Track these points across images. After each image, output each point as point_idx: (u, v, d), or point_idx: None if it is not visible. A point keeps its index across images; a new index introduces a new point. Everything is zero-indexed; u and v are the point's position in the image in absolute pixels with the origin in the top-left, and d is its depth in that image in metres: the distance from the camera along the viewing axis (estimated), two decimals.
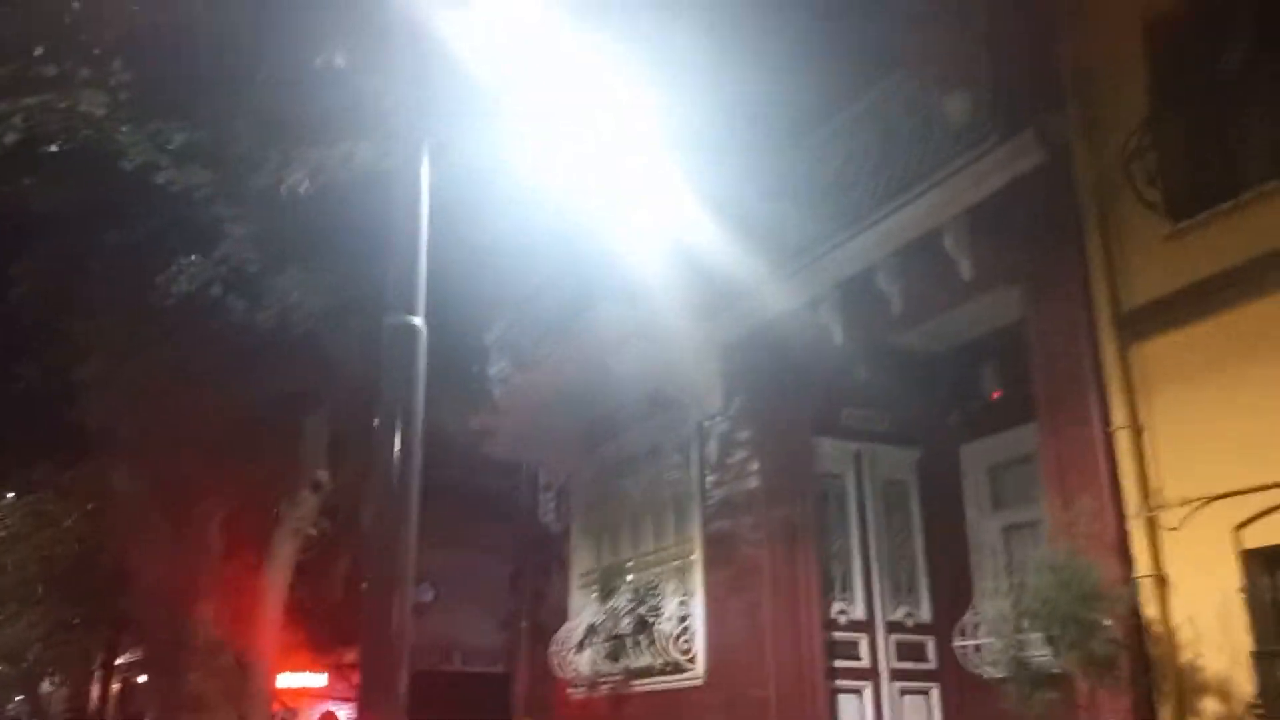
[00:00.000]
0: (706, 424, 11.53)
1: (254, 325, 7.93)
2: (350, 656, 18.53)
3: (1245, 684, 6.28)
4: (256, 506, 10.36)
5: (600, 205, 9.22)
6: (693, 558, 11.49)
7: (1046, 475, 7.68)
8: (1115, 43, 7.68)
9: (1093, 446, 7.28)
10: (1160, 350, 7.09)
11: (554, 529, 14.62)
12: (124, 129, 7.49)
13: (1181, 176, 7.16)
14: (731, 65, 8.45)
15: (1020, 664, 6.78)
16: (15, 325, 9.35)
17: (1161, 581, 6.79)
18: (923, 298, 9.13)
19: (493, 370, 11.90)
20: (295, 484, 9.77)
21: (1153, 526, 6.90)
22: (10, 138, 7.17)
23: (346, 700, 20.26)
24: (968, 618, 9.16)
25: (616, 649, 11.78)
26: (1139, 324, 7.21)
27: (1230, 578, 6.43)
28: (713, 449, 11.42)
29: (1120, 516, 7.04)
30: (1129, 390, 7.18)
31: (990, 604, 7.75)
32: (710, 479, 11.38)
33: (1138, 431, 7.10)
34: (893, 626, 10.44)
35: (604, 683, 12.22)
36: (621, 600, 11.97)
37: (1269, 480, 6.32)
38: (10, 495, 17.23)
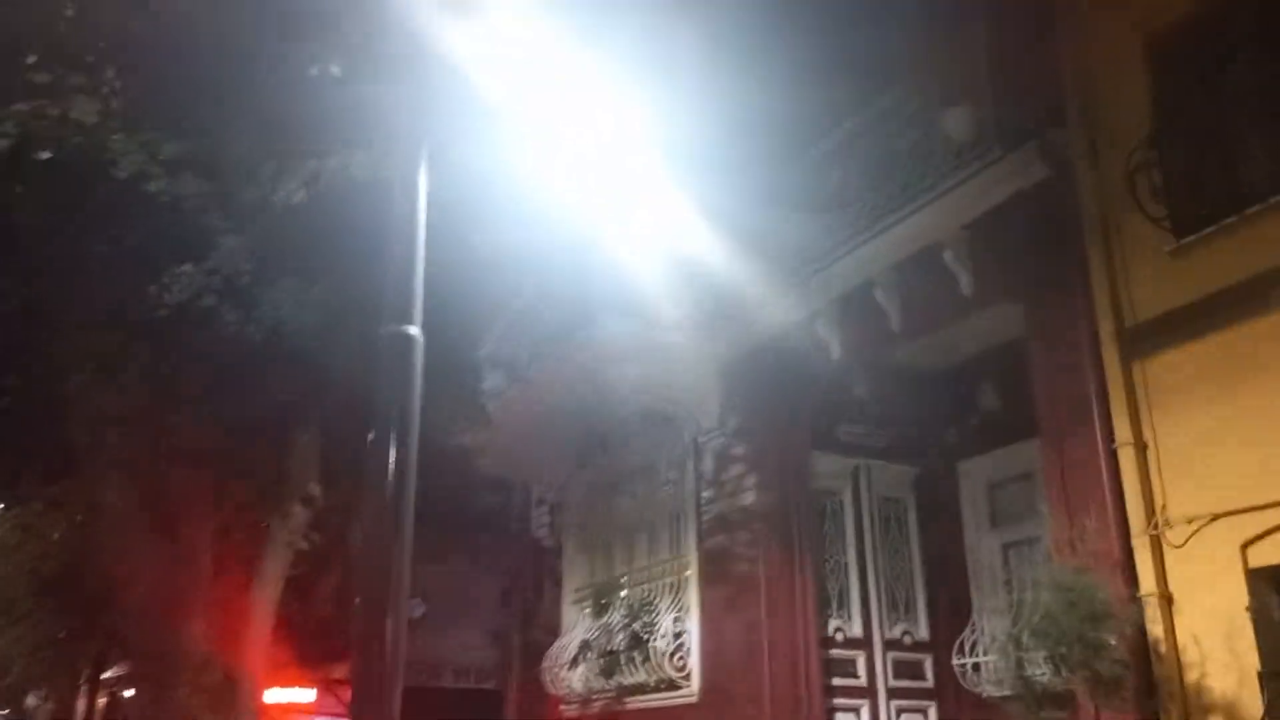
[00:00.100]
0: (702, 439, 11.46)
1: (246, 337, 7.83)
2: (339, 672, 18.34)
3: (1253, 705, 6.19)
4: (247, 520, 10.24)
5: (596, 218, 9.15)
6: (688, 574, 11.40)
7: (1049, 492, 7.61)
8: (1117, 58, 7.64)
9: (1096, 463, 7.21)
10: (1164, 366, 7.03)
11: (547, 544, 14.50)
12: (116, 137, 7.38)
13: (1185, 192, 7.12)
14: (732, 78, 8.40)
15: (1026, 683, 6.68)
16: (3, 336, 9.23)
17: (1167, 600, 6.72)
18: (922, 313, 9.08)
19: (486, 384, 11.79)
20: (286, 498, 9.65)
21: (1157, 544, 6.83)
22: (1, 144, 7.07)
23: (335, 716, 20.06)
24: (967, 635, 9.07)
25: (610, 666, 11.66)
26: (1143, 340, 7.15)
27: (1237, 596, 6.35)
28: (708, 464, 11.34)
29: (1124, 534, 6.97)
30: (1133, 406, 7.12)
31: (993, 622, 7.67)
32: (706, 494, 11.30)
33: (1142, 448, 7.04)
34: (890, 644, 10.35)
35: (597, 700, 12.10)
36: (615, 616, 11.86)
37: (1276, 498, 6.26)
38: None
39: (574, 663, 12.34)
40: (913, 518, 10.87)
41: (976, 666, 8.91)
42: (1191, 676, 6.51)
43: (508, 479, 15.36)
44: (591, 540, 13.40)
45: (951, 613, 10.06)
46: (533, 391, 12.10)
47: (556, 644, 12.99)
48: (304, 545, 10.21)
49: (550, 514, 14.47)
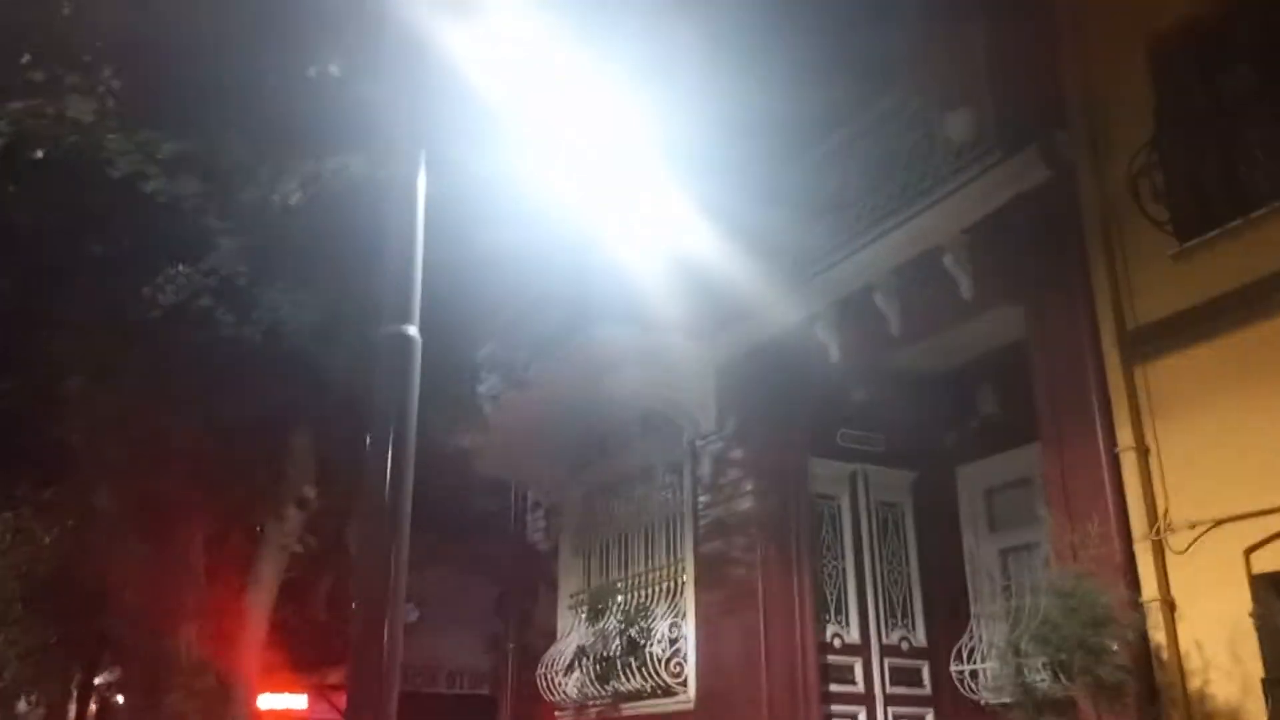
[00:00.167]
0: (700, 443, 11.41)
1: (242, 339, 7.76)
2: (333, 678, 18.24)
3: (1256, 712, 6.16)
4: (241, 524, 10.15)
5: (595, 219, 9.11)
6: (684, 579, 11.35)
7: (1051, 497, 7.56)
8: (1119, 59, 7.62)
9: (1098, 468, 7.18)
10: (1167, 370, 6.99)
11: (542, 548, 14.44)
12: (113, 136, 7.30)
13: (1188, 194, 7.10)
14: (732, 80, 8.36)
15: (1026, 689, 6.63)
16: None
17: (1169, 606, 6.69)
18: (921, 316, 9.04)
19: (483, 387, 11.72)
20: (281, 501, 9.56)
21: (1159, 550, 6.80)
22: None
23: None
24: (964, 642, 9.03)
25: (606, 671, 11.59)
26: (1145, 344, 7.12)
27: (1240, 603, 6.31)
28: (706, 469, 11.30)
29: (1126, 540, 6.94)
30: (1135, 411, 7.09)
31: (991, 628, 7.62)
32: (703, 499, 11.25)
33: (1144, 453, 7.01)
34: (888, 650, 10.31)
35: (593, 706, 12.03)
36: (611, 622, 11.78)
37: (1279, 503, 6.21)
38: None
39: (569, 668, 12.28)
40: (910, 523, 10.84)
41: (974, 673, 8.86)
42: (1194, 683, 6.47)
43: (504, 482, 15.30)
44: (588, 544, 13.33)
45: (949, 619, 10.02)
46: (530, 394, 11.99)
47: (552, 649, 12.93)
48: (298, 549, 10.13)
49: (546, 518, 14.42)
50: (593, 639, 11.95)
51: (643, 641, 11.23)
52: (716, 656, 10.59)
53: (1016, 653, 6.82)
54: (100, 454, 8.99)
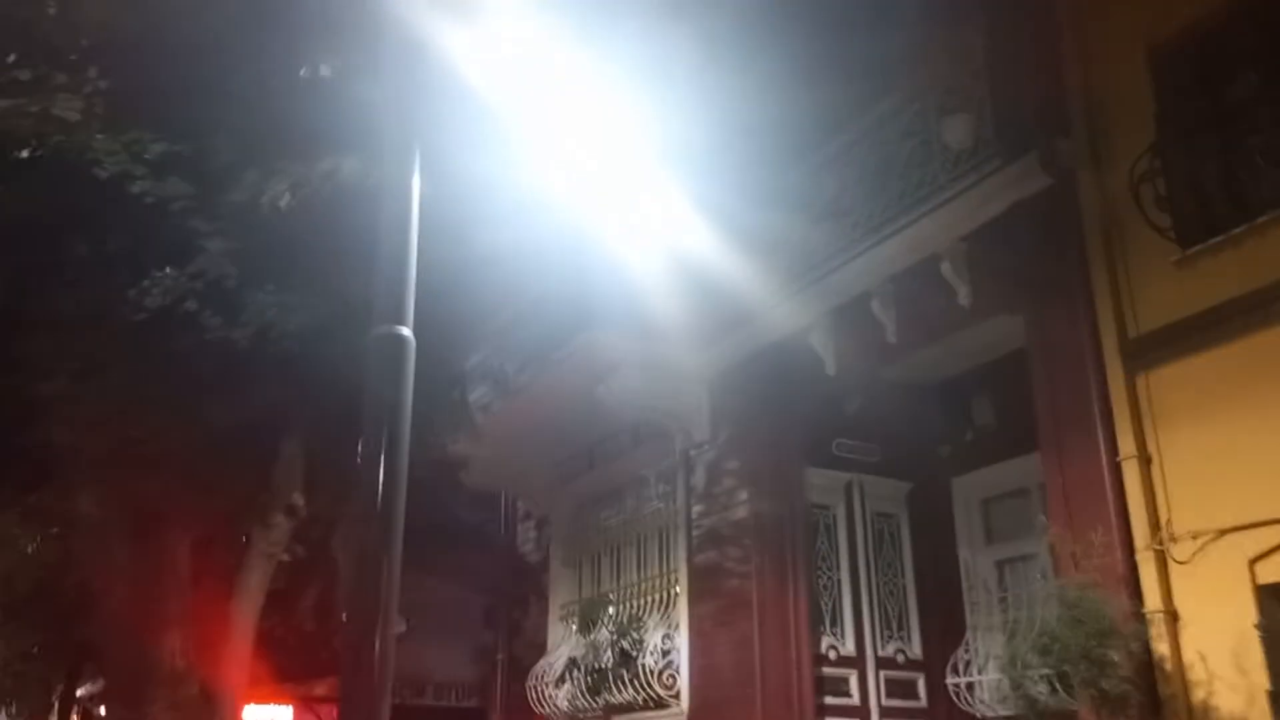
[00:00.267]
0: (694, 453, 11.31)
1: (229, 343, 7.63)
2: (320, 689, 18.04)
3: None
4: (227, 532, 10.00)
5: (590, 226, 9.02)
6: (677, 590, 11.24)
7: (1052, 507, 7.46)
8: (1120, 65, 7.56)
9: (1099, 478, 7.08)
10: (1169, 378, 6.91)
11: (533, 559, 14.32)
12: (99, 137, 7.19)
13: (1190, 201, 7.03)
14: (729, 85, 8.29)
15: (1028, 701, 6.53)
16: None
17: (1172, 617, 6.59)
18: (918, 325, 8.94)
19: (473, 396, 11.61)
20: (268, 508, 9.42)
21: (1162, 560, 6.70)
22: None
23: None
24: (960, 654, 8.92)
25: (597, 683, 11.46)
26: (1147, 352, 7.04)
27: (1245, 614, 6.22)
28: (700, 479, 11.20)
29: (1128, 550, 6.84)
30: (1137, 420, 7.01)
31: (988, 640, 7.53)
32: (697, 509, 11.14)
33: (1146, 462, 6.92)
34: (883, 662, 10.21)
35: (583, 718, 11.89)
36: (603, 633, 11.65)
37: None
38: None
39: (560, 680, 12.15)
40: (906, 534, 10.75)
41: (970, 685, 8.75)
42: (1198, 695, 6.37)
43: (494, 493, 15.18)
44: (579, 555, 13.23)
45: (945, 630, 9.91)
46: (521, 403, 11.93)
47: (542, 661, 12.79)
48: (285, 557, 10.00)
49: (537, 528, 14.30)
50: (584, 650, 11.82)
51: (635, 653, 11.11)
52: (710, 668, 10.47)
53: (1016, 665, 6.73)
54: (84, 458, 8.85)
